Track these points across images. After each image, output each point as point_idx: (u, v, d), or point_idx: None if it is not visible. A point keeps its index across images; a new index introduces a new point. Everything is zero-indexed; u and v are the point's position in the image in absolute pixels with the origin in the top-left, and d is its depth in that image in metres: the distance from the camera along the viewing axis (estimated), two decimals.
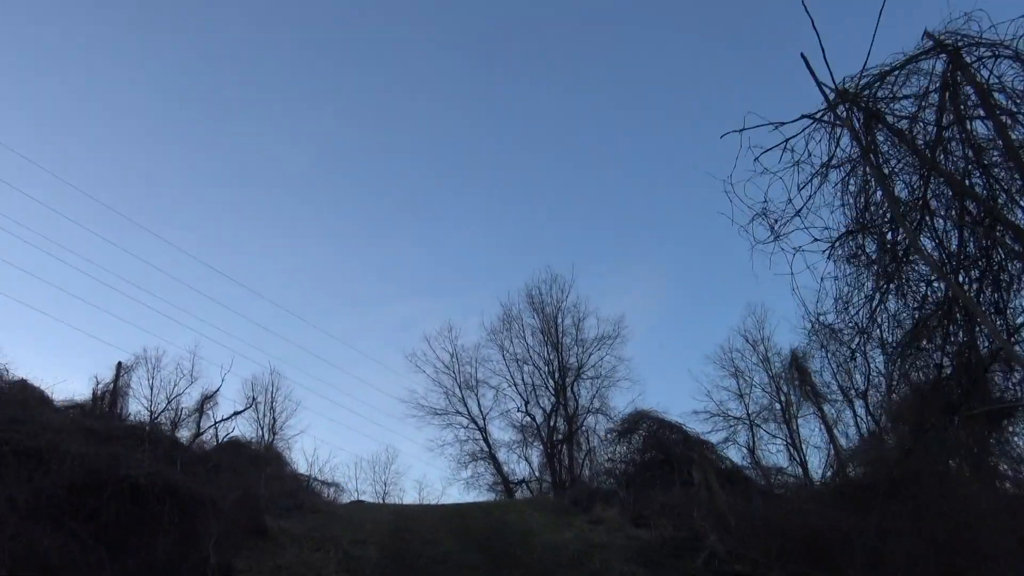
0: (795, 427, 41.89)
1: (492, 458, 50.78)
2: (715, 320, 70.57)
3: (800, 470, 35.63)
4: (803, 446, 37.91)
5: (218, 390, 41.40)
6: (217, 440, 40.74)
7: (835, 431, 42.92)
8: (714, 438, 29.02)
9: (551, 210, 79.36)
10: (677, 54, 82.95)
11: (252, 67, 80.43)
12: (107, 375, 37.76)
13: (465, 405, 50.85)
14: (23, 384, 26.78)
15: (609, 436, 24.83)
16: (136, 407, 41.06)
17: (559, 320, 51.98)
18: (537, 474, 51.76)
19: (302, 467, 34.47)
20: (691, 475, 22.38)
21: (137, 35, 76.57)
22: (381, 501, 49.49)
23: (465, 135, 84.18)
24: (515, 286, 77.74)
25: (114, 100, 76.93)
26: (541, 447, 51.56)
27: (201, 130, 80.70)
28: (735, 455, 30.77)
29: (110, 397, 41.82)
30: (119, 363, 42.31)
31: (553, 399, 51.46)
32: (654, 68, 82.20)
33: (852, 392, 43.69)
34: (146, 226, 78.27)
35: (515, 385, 52.02)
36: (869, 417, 43.05)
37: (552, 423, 51.58)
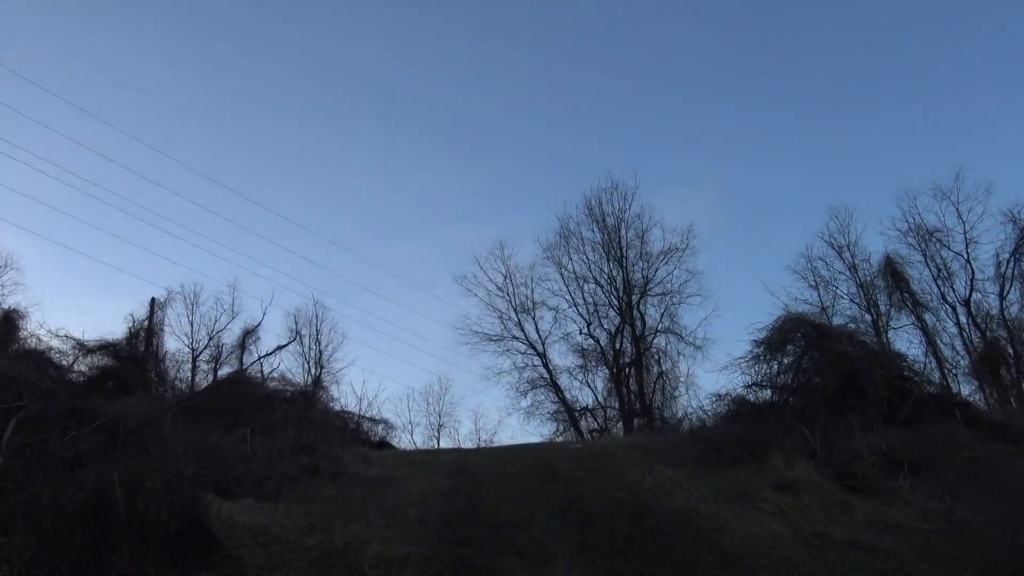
0: (886, 340, 34.42)
1: (553, 385, 43.10)
2: (792, 227, 61.09)
3: None
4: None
5: (259, 324, 35.14)
6: (263, 376, 33.99)
7: (939, 342, 34.69)
8: None
9: (603, 118, 69.51)
10: None
11: None
12: (142, 312, 32.12)
13: (522, 329, 43.14)
14: None
15: (755, 349, 16.19)
16: (176, 344, 35.33)
17: (622, 232, 43.45)
18: (602, 401, 44.03)
19: (351, 405, 27.40)
20: (897, 404, 13.82)
21: None
22: (435, 442, 42.21)
23: (503, 46, 73.98)
24: (572, 199, 68.75)
25: (148, 27, 68.40)
26: (607, 372, 43.60)
27: (238, 60, 71.99)
28: None
29: (145, 335, 35.31)
30: (153, 299, 35.94)
31: (618, 319, 43.24)
32: None
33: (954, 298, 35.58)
34: (177, 158, 70.64)
35: (575, 305, 43.96)
36: (973, 326, 34.47)
37: (618, 345, 43.39)
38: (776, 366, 15.92)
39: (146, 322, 34.73)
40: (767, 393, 16.27)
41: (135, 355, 33.57)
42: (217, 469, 10.84)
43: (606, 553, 7.96)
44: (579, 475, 13.16)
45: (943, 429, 12.36)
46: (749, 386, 16.17)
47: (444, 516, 9.68)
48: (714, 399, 18.57)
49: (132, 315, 32.41)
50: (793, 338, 15.92)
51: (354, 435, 22.37)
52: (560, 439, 39.90)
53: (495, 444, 38.54)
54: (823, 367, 14.65)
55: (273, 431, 15.70)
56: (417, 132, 75.57)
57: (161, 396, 17.20)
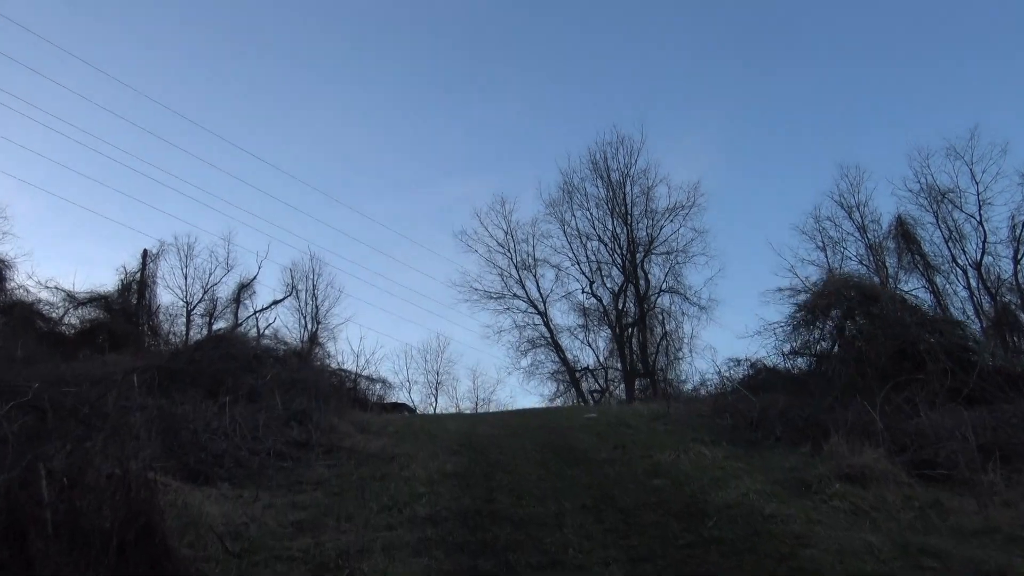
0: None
1: (554, 344, 41.61)
2: (800, 186, 59.07)
3: None
4: None
5: (255, 278, 33.68)
6: (258, 332, 32.22)
7: (950, 306, 33.30)
8: None
9: (608, 67, 66.64)
10: None
11: None
12: (135, 264, 31.35)
13: (523, 287, 41.52)
14: None
15: (797, 315, 14.41)
16: (170, 298, 33.99)
17: (627, 188, 41.59)
18: (604, 361, 42.49)
19: (348, 363, 25.77)
20: (961, 378, 12.11)
21: None
22: (433, 399, 40.71)
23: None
24: (576, 151, 66.26)
25: None
26: (609, 332, 41.99)
27: (234, 6, 68.41)
28: None
29: (137, 287, 33.57)
30: (145, 251, 34.19)
31: (621, 278, 41.53)
32: None
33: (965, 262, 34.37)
34: (172, 106, 67.66)
35: (578, 263, 42.32)
36: (983, 290, 32.87)
37: (621, 305, 41.76)
38: (818, 333, 14.14)
39: (138, 274, 32.83)
40: (803, 362, 14.55)
41: (127, 308, 31.65)
42: (188, 448, 9.11)
43: (663, 569, 6.27)
44: (604, 455, 11.49)
45: (1021, 408, 10.68)
46: (788, 354, 14.43)
47: (457, 511, 7.97)
48: (732, 364, 16.91)
49: (124, 267, 30.87)
50: (838, 301, 14.12)
51: (351, 395, 20.67)
52: (560, 400, 38.49)
53: (496, 406, 37.15)
54: (875, 335, 12.87)
55: (261, 397, 13.97)
56: (416, 82, 72.61)
57: (123, 359, 15.34)
